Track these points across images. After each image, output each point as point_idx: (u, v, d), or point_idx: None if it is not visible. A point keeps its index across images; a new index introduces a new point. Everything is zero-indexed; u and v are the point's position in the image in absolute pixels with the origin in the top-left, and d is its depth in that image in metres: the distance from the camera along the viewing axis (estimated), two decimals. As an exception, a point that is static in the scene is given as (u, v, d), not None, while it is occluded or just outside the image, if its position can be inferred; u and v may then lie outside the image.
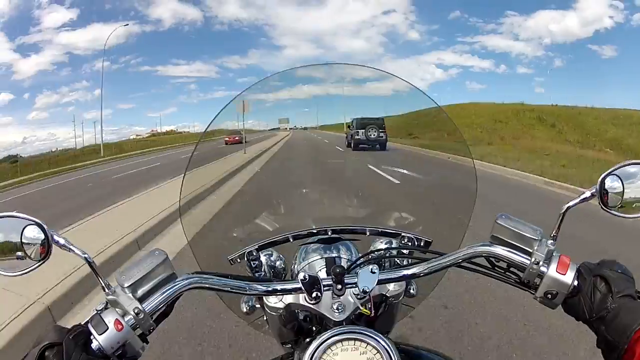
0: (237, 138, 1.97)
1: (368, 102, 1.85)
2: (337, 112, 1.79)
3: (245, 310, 0.87)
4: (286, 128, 1.74)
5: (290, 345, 0.81)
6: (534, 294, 0.68)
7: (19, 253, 0.62)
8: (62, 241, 0.61)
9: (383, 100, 1.45)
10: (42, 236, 0.61)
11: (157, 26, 40.05)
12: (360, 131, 2.21)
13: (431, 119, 1.37)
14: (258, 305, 0.86)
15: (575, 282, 0.64)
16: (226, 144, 1.93)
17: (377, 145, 2.19)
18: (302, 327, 0.77)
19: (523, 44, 36.00)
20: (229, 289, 0.69)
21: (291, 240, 0.94)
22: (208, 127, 1.05)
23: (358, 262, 0.75)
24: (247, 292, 0.70)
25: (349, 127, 2.34)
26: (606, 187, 0.66)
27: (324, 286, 0.68)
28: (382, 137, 2.17)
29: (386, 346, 0.63)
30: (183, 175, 0.97)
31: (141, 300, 0.62)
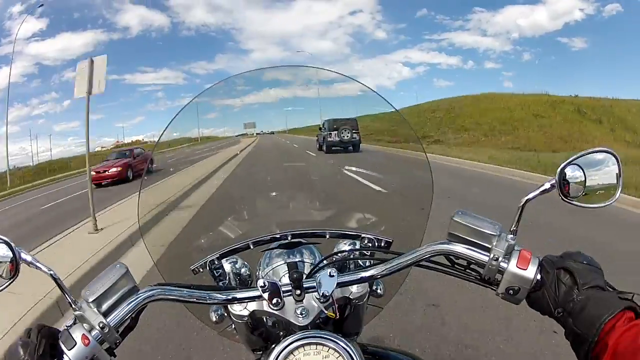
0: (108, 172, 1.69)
1: (335, 104, 1.75)
2: (304, 115, 1.71)
3: (214, 319, 0.88)
4: (253, 134, 1.70)
5: (261, 352, 0.83)
6: (495, 290, 0.68)
7: None
8: (29, 259, 0.63)
9: (350, 102, 1.46)
10: (10, 254, 0.62)
11: (124, 34, 40.44)
12: (333, 132, 2.17)
13: (393, 119, 1.40)
14: (227, 314, 0.86)
15: (538, 277, 0.64)
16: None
17: (350, 147, 2.07)
18: (270, 333, 0.79)
19: (491, 39, 37.55)
20: (191, 299, 0.70)
21: (252, 246, 0.95)
22: (160, 137, 1.04)
23: (320, 266, 0.77)
24: (208, 302, 0.72)
25: (320, 129, 2.23)
26: (567, 177, 0.66)
27: (284, 292, 0.69)
28: (355, 138, 2.13)
29: (348, 349, 0.64)
30: (139, 190, 0.98)
31: (106, 314, 0.64)
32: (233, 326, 0.86)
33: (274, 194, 1.27)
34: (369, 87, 1.10)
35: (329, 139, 2.19)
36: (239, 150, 2.17)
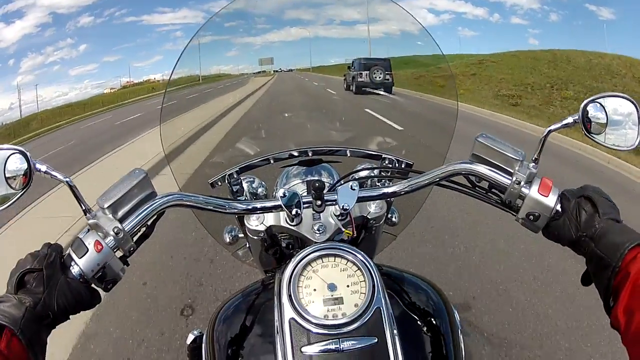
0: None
1: (364, 42, 1.53)
2: (327, 52, 1.64)
3: (228, 240, 0.91)
4: (270, 71, 1.63)
5: (272, 274, 0.85)
6: (515, 215, 0.70)
7: (2, 185, 0.63)
8: (43, 168, 0.63)
9: (380, 41, 1.37)
10: (25, 166, 0.63)
11: None
12: (364, 73, 2.01)
13: (427, 63, 1.37)
14: (241, 235, 0.90)
15: (559, 206, 0.66)
16: None
17: (382, 89, 1.89)
18: (284, 254, 0.81)
19: None
20: (209, 207, 0.71)
21: (272, 161, 0.97)
22: (172, 74, 1.04)
23: (339, 182, 0.77)
24: (227, 211, 0.73)
25: (348, 68, 2.05)
26: (589, 115, 0.67)
27: (304, 203, 0.70)
28: (388, 79, 1.98)
29: (366, 262, 0.65)
30: (159, 124, 0.98)
31: (121, 220, 0.64)
32: (247, 245, 0.89)
33: (293, 115, 1.29)
34: (418, 21, 1.09)
35: (359, 79, 2.04)
36: (250, 93, 1.99)
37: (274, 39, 1.32)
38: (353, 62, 2.11)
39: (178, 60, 0.98)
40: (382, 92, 2.04)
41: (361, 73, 1.98)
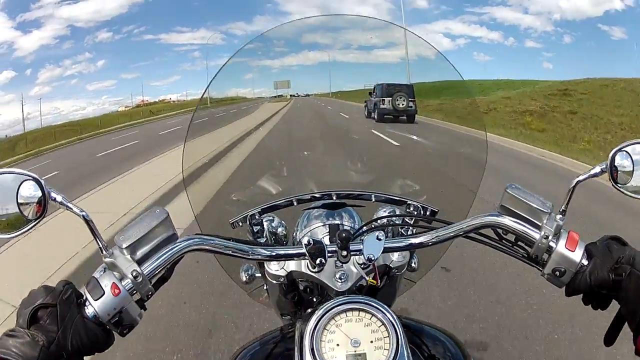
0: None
1: (383, 68, 1.61)
2: (345, 77, 1.59)
3: (244, 279, 0.91)
4: (286, 95, 1.59)
5: (289, 317, 0.85)
6: (541, 270, 0.69)
7: (14, 211, 0.62)
8: (59, 198, 0.62)
9: (400, 66, 1.37)
10: (39, 193, 0.61)
11: None
12: (387, 99, 1.96)
13: (449, 89, 1.38)
14: (258, 274, 0.90)
15: (585, 260, 0.66)
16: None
17: (404, 117, 1.83)
18: (302, 298, 0.81)
19: (532, 18, 35.57)
20: (232, 252, 0.71)
21: (295, 203, 0.97)
22: (203, 94, 1.05)
23: (363, 230, 0.76)
24: (250, 257, 0.73)
25: (370, 94, 1.98)
26: (616, 164, 0.67)
27: (329, 252, 0.70)
28: (411, 107, 1.92)
29: (391, 319, 0.64)
30: (184, 144, 0.98)
31: (140, 262, 0.63)
32: (265, 287, 0.89)
33: (313, 152, 1.28)
34: (433, 47, 1.07)
35: (382, 106, 1.99)
36: (264, 120, 1.95)
37: (291, 62, 1.31)
38: (375, 87, 2.05)
39: (210, 83, 1.01)
40: (404, 120, 1.97)
41: (383, 99, 1.92)
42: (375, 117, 1.94)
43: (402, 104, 1.85)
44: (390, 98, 1.88)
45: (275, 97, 1.60)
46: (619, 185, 0.69)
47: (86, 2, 37.85)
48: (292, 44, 1.20)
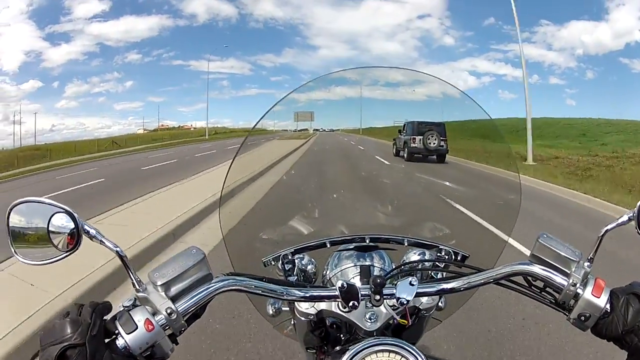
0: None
1: (410, 107, 1.60)
2: (366, 116, 1.59)
3: (271, 312, 0.92)
4: (309, 129, 1.62)
5: (314, 352, 0.87)
6: (567, 315, 0.73)
7: (45, 241, 0.63)
8: (93, 232, 0.63)
9: (432, 106, 1.41)
10: (72, 225, 0.63)
11: (191, 21, 44.23)
12: (417, 138, 1.91)
13: (477, 128, 1.43)
14: (285, 308, 0.91)
15: (608, 306, 0.69)
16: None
17: (435, 157, 1.73)
18: (329, 334, 0.82)
19: (556, 54, 36.29)
20: (266, 293, 0.73)
21: (328, 245, 0.99)
22: (255, 125, 1.09)
23: (393, 273, 0.81)
24: (285, 297, 0.75)
25: (399, 132, 1.90)
26: None
27: (362, 295, 0.71)
28: (442, 146, 1.84)
29: (420, 359, 0.67)
30: (226, 172, 1.00)
31: (174, 299, 0.65)
32: (293, 322, 0.90)
33: (343, 193, 1.29)
34: (465, 93, 1.07)
35: (412, 145, 1.93)
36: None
37: (317, 97, 1.30)
38: (405, 125, 2.00)
39: (262, 117, 1.04)
40: (434, 160, 1.86)
41: (414, 138, 1.86)
42: (405, 155, 1.87)
43: (434, 143, 1.78)
44: (422, 137, 1.81)
45: (298, 130, 1.58)
46: None
47: (117, 21, 40.31)
48: (325, 82, 1.22)
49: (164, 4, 43.31)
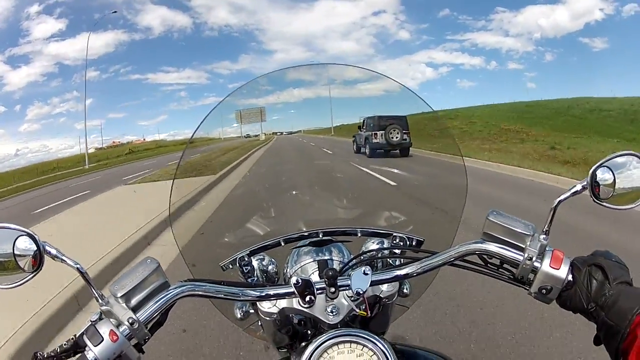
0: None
1: (361, 104, 1.75)
2: (327, 115, 1.58)
3: (239, 316, 0.95)
4: (267, 134, 1.66)
5: (286, 350, 0.90)
6: (528, 289, 0.75)
7: (11, 264, 0.67)
8: (53, 252, 0.67)
9: (377, 102, 1.44)
10: (34, 247, 0.67)
11: (146, 34, 45.41)
12: (379, 133, 1.90)
13: (424, 120, 1.44)
14: (252, 311, 0.94)
15: (570, 276, 0.71)
16: None
17: (398, 151, 1.74)
18: (297, 331, 0.86)
19: (513, 40, 38.78)
20: (222, 295, 0.76)
21: (282, 244, 1.02)
22: (193, 135, 1.11)
23: (350, 264, 0.83)
24: (240, 298, 0.78)
25: (359, 128, 1.90)
26: (597, 179, 0.73)
27: (317, 289, 0.75)
28: (405, 140, 1.83)
29: (383, 348, 0.70)
30: (172, 181, 1.03)
31: (135, 309, 0.69)
32: (260, 323, 0.93)
33: (298, 191, 1.31)
34: (405, 86, 1.12)
35: (374, 140, 1.92)
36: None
37: (274, 100, 1.33)
38: (364, 120, 2.00)
39: (198, 127, 1.05)
40: (397, 155, 1.88)
41: (375, 133, 1.86)
42: (367, 152, 1.86)
43: (397, 137, 1.81)
44: (383, 131, 1.83)
45: (247, 136, 1.58)
46: (601, 200, 0.74)
47: (74, 39, 39.68)
48: (276, 89, 1.28)
49: (119, 19, 44.08)
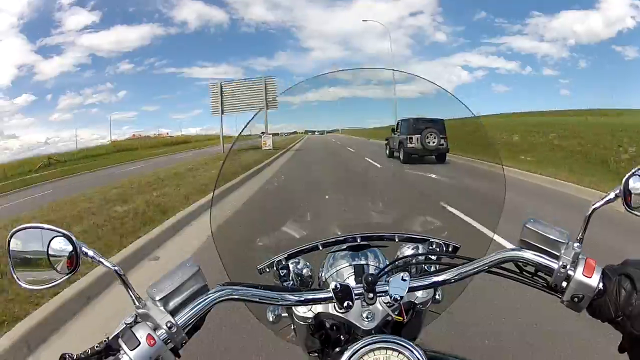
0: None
1: (401, 106, 1.59)
2: (362, 116, 1.63)
3: (271, 319, 0.96)
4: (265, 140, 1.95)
5: (317, 354, 0.89)
6: (560, 298, 0.75)
7: (46, 265, 0.68)
8: (91, 253, 0.68)
9: (413, 104, 1.57)
10: (70, 248, 0.68)
11: (182, 28, 46.93)
12: (415, 137, 1.85)
13: (462, 124, 1.45)
14: (284, 314, 0.95)
15: (601, 285, 0.72)
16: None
17: (434, 157, 1.70)
18: (329, 336, 0.85)
19: (548, 45, 38.29)
20: (261, 299, 0.77)
21: (320, 248, 1.02)
22: (241, 132, 1.15)
23: (387, 270, 0.83)
24: (280, 303, 0.79)
25: (393, 131, 1.86)
26: (630, 187, 0.74)
27: (355, 295, 0.76)
28: (442, 145, 1.77)
29: (418, 355, 0.71)
30: (215, 181, 1.06)
31: (173, 313, 0.70)
32: (292, 327, 0.94)
33: (331, 194, 1.34)
34: (451, 93, 1.11)
35: (409, 145, 1.88)
36: None
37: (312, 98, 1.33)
38: (399, 123, 1.95)
39: (248, 122, 1.08)
40: (433, 161, 1.84)
41: (411, 137, 1.82)
42: (401, 157, 1.82)
43: (433, 142, 1.76)
44: (419, 135, 1.78)
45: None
46: (633, 208, 0.75)
47: (107, 31, 41.32)
48: (317, 90, 1.27)
49: (155, 13, 45.50)
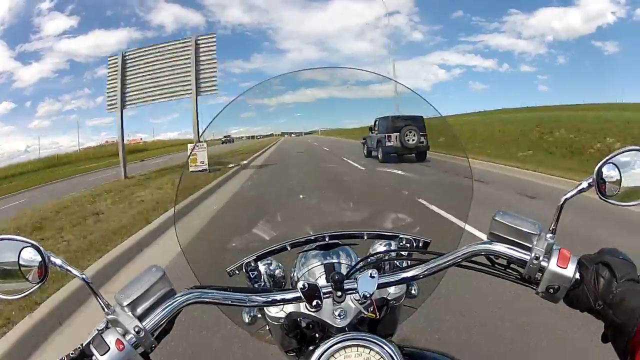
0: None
1: (373, 105, 1.86)
2: (339, 115, 1.63)
3: (247, 320, 0.96)
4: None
5: (294, 354, 0.92)
6: (535, 289, 0.76)
7: (17, 275, 0.70)
8: (59, 262, 0.70)
9: (391, 104, 1.49)
10: (39, 258, 0.70)
11: (159, 32, 43.57)
12: (394, 135, 1.80)
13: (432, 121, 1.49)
14: (260, 315, 0.96)
15: (577, 275, 0.73)
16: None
17: (414, 155, 1.68)
18: (305, 335, 0.87)
19: (526, 42, 39.36)
20: (229, 302, 0.78)
21: (289, 248, 1.04)
22: (202, 134, 1.51)
23: (357, 267, 0.85)
24: (247, 304, 0.80)
25: (370, 130, 1.84)
26: (603, 176, 0.75)
27: (324, 293, 0.77)
28: (422, 142, 1.74)
29: (390, 351, 0.72)
30: (177, 183, 1.15)
31: (141, 318, 0.71)
32: (268, 328, 0.95)
33: (305, 195, 1.34)
34: (411, 89, 1.15)
35: (387, 143, 1.86)
36: None
37: (286, 100, 1.36)
38: (377, 121, 1.92)
39: (207, 126, 1.10)
40: (413, 159, 1.82)
41: (389, 135, 1.80)
42: (380, 156, 1.79)
43: (413, 140, 1.74)
44: (398, 133, 1.75)
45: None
46: (607, 197, 0.75)
47: (85, 36, 40.26)
48: (288, 89, 1.29)
49: (132, 17, 44.08)
